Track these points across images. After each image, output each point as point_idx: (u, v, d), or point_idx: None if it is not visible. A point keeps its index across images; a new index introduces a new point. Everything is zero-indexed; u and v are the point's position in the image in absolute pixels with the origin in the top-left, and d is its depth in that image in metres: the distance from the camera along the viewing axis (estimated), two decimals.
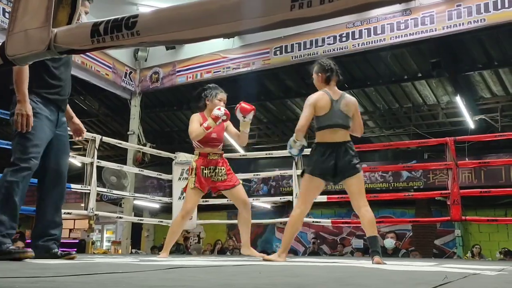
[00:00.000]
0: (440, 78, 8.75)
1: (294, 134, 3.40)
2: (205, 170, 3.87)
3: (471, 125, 9.53)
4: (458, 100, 8.83)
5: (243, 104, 3.75)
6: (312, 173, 3.32)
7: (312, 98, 3.40)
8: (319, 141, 3.36)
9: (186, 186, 3.96)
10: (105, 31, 1.11)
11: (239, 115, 3.79)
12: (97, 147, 5.35)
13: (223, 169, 3.90)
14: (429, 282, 1.42)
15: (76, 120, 3.19)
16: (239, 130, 3.94)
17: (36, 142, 2.69)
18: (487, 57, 8.11)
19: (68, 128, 3.10)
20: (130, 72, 8.52)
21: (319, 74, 3.48)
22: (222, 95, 4.00)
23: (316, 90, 3.46)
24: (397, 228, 10.97)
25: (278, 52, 7.32)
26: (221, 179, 3.87)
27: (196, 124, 3.86)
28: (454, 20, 6.00)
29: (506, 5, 5.69)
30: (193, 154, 6.33)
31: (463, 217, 4.91)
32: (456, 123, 10.09)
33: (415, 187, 10.00)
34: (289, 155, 5.68)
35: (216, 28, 0.97)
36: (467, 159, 7.93)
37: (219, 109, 3.76)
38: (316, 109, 3.34)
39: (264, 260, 3.36)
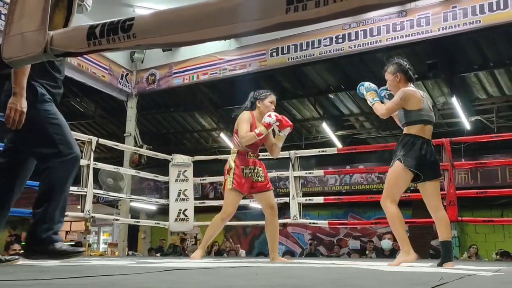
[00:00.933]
0: (436, 79, 8.79)
1: (376, 103, 3.40)
2: (246, 169, 3.79)
3: (467, 126, 9.57)
4: (454, 101, 8.87)
5: (284, 119, 3.77)
6: (411, 166, 3.15)
7: (407, 91, 3.26)
8: (416, 134, 3.23)
9: (224, 186, 3.84)
10: (101, 34, 1.11)
11: (276, 128, 3.81)
12: (93, 149, 5.34)
13: (261, 170, 3.87)
14: (425, 282, 1.43)
15: None
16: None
17: (67, 126, 2.53)
18: (483, 58, 8.14)
19: None
20: (127, 74, 8.51)
21: (398, 74, 3.36)
22: (272, 97, 3.96)
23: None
24: None
25: (274, 54, 7.33)
26: (259, 180, 3.83)
27: (247, 126, 3.77)
28: (450, 21, 6.03)
29: (502, 7, 5.72)
30: (189, 155, 6.37)
31: (460, 218, 4.92)
32: (452, 124, 10.13)
33: (412, 188, 9.94)
34: (286, 156, 5.72)
35: (212, 31, 0.97)
36: (463, 160, 7.95)
37: (269, 116, 3.72)
38: (408, 103, 3.24)
39: (392, 265, 3.03)
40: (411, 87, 3.33)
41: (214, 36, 0.97)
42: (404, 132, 3.32)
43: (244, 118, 3.80)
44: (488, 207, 10.33)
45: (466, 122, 9.48)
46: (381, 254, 8.88)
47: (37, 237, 2.38)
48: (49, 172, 2.47)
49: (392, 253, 8.13)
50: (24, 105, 2.37)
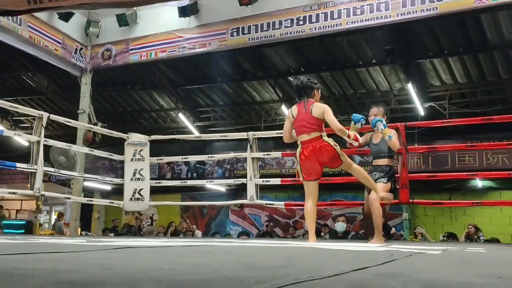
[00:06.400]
0: (393, 65, 8.94)
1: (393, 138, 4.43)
2: None
3: (421, 112, 9.81)
4: (410, 87, 9.07)
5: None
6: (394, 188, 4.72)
7: None
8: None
9: (337, 161, 4.31)
10: None
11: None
12: (44, 125, 5.14)
13: None
14: (376, 259, 1.44)
15: None
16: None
17: None
18: (438, 46, 8.34)
19: None
20: (81, 48, 8.20)
21: (385, 116, 4.63)
22: None
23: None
24: (348, 211, 11.23)
25: (235, 33, 7.23)
26: None
27: None
28: (408, 7, 6.11)
29: None
30: (146, 134, 6.23)
31: (411, 200, 5.06)
32: (407, 109, 10.36)
33: (366, 171, 10.21)
34: (244, 137, 5.70)
35: None
36: (416, 144, 8.16)
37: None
38: None
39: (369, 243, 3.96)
40: None
41: None
42: (387, 164, 4.61)
43: (330, 111, 3.97)
44: (438, 191, 10.71)
45: (420, 108, 9.72)
46: (335, 236, 9.06)
47: None
48: None
49: (344, 235, 8.33)
50: None
